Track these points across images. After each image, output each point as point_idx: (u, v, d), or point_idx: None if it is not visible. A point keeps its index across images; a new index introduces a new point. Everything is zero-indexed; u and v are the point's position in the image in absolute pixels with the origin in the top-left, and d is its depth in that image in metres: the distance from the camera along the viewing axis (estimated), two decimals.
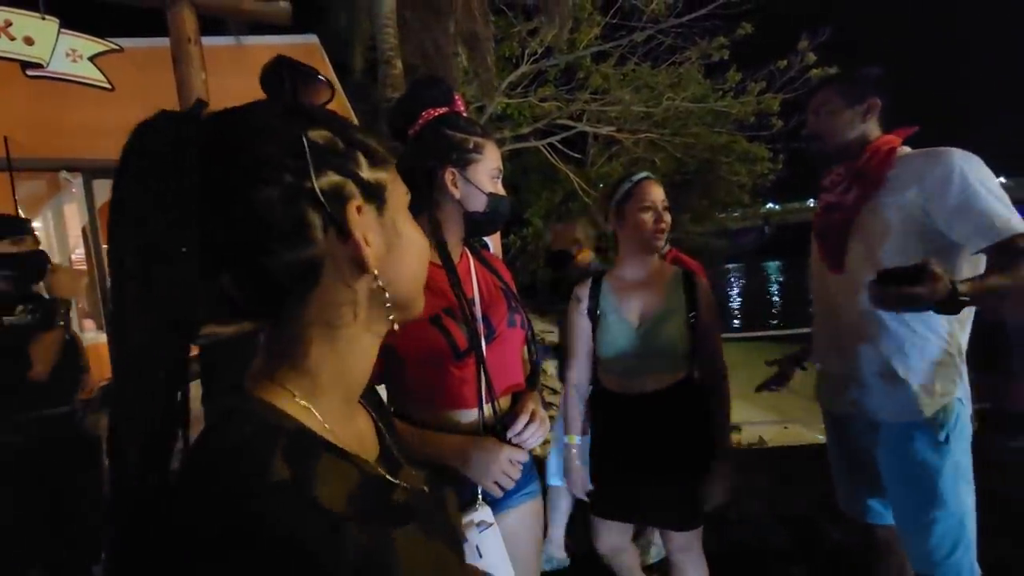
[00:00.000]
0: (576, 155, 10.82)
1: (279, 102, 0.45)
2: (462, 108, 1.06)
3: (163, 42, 2.61)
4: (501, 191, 1.06)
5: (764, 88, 8.95)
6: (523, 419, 0.98)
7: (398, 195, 0.50)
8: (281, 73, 0.48)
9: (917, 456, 1.20)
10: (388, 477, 0.48)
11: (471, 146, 1.01)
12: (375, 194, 0.47)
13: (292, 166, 0.41)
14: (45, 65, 2.69)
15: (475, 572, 0.58)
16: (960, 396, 1.22)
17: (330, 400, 0.47)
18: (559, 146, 10.17)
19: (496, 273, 1.12)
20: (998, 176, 1.22)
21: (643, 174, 1.51)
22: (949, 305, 1.01)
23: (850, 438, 1.39)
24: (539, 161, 10.96)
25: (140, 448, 0.38)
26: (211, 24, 2.89)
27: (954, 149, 1.19)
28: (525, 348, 1.15)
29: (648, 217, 1.44)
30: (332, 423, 0.46)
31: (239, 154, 0.41)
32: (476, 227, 1.06)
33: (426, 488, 0.53)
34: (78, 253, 5.04)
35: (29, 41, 2.65)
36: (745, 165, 10.69)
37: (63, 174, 4.50)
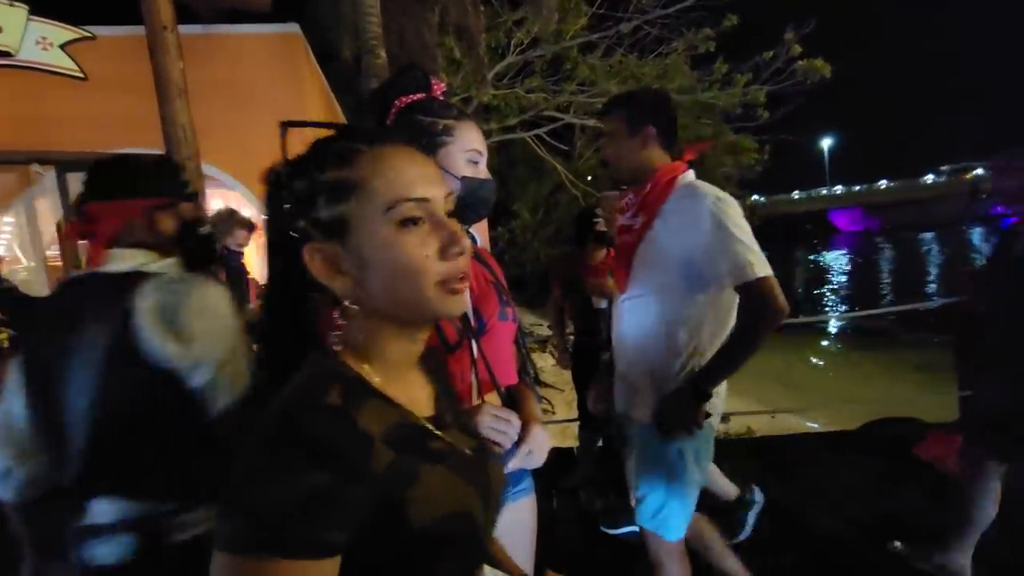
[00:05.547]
0: (563, 147, 10.79)
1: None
2: (438, 93, 1.01)
3: (138, 30, 2.52)
4: (482, 174, 1.00)
5: (750, 80, 9.00)
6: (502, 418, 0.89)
7: (368, 215, 0.52)
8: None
9: (654, 447, 1.41)
10: (429, 427, 0.56)
11: (440, 128, 0.97)
12: (335, 231, 0.53)
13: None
14: (14, 54, 2.59)
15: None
16: None
17: (383, 367, 0.57)
18: (546, 138, 10.14)
19: (487, 266, 1.10)
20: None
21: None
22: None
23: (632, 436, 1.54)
24: (526, 153, 10.91)
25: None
26: (190, 12, 2.80)
27: (708, 189, 1.30)
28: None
29: None
30: (385, 383, 0.56)
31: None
32: (454, 214, 1.01)
33: (469, 452, 0.60)
34: (53, 250, 4.89)
35: None
36: (731, 156, 10.77)
37: (35, 167, 4.35)
